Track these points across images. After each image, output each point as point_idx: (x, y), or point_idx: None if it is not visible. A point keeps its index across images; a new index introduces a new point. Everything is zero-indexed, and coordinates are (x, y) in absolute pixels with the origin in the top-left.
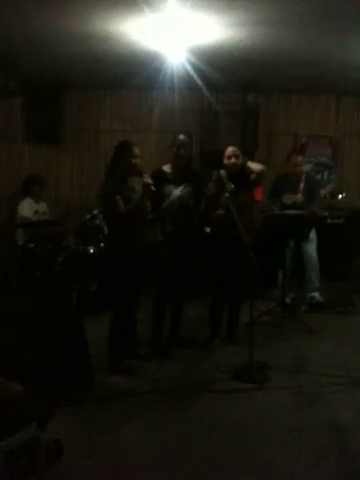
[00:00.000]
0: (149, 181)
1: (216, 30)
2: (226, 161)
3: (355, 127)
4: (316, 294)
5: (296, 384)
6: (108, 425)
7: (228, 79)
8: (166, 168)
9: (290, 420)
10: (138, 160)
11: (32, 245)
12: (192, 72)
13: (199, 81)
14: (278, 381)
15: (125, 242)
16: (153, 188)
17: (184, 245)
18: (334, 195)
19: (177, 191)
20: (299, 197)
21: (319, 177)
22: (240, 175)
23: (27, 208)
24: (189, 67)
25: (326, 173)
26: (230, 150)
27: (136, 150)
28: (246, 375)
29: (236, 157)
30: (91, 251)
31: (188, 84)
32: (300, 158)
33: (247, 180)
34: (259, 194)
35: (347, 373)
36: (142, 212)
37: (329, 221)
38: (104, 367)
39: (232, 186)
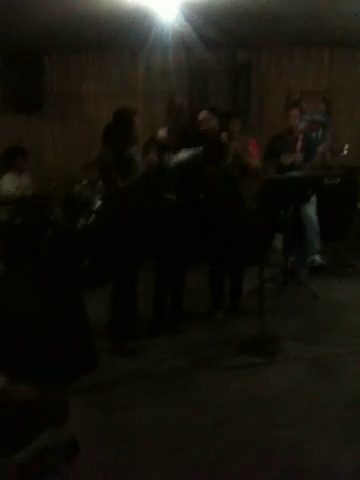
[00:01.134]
0: (154, 157)
1: None
2: (201, 127)
3: (349, 81)
4: (317, 257)
5: (311, 355)
6: (116, 410)
7: (219, 35)
8: (162, 132)
9: (312, 394)
10: (138, 130)
11: (18, 221)
12: (184, 28)
13: (191, 38)
14: (290, 353)
15: (124, 214)
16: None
17: (186, 213)
18: (336, 152)
19: (182, 154)
20: (297, 156)
21: (314, 135)
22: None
23: (9, 183)
24: (180, 23)
25: (321, 131)
26: (201, 115)
27: (137, 120)
28: (256, 348)
29: (208, 121)
30: (81, 224)
31: (177, 42)
32: (296, 110)
33: None
34: (257, 155)
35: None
36: (142, 184)
37: (326, 181)
38: (105, 347)
39: (236, 149)
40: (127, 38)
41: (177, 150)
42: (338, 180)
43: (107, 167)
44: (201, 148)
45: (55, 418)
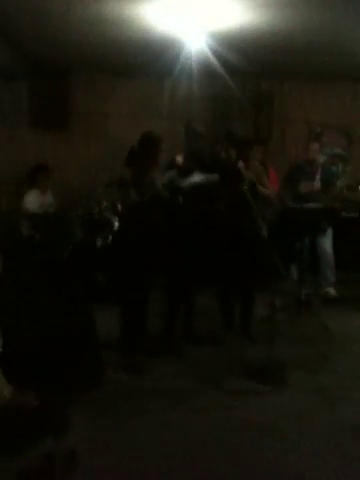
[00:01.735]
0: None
1: (237, 13)
2: (217, 156)
3: None
4: (331, 289)
5: (316, 385)
6: (119, 425)
7: (244, 65)
8: (179, 158)
9: (312, 423)
10: (164, 155)
11: (38, 238)
12: (209, 57)
13: (217, 67)
14: (296, 382)
15: (137, 232)
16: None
17: (199, 235)
18: (351, 188)
19: (196, 178)
20: (315, 186)
21: (334, 168)
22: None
23: (33, 200)
24: (207, 52)
25: (341, 165)
26: (217, 147)
27: (163, 145)
28: (263, 375)
29: (225, 151)
30: (98, 244)
31: (201, 70)
32: (316, 145)
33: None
34: (275, 184)
35: None
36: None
37: (344, 215)
38: (113, 361)
39: (251, 177)
40: (155, 64)
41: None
42: (356, 214)
43: (127, 187)
44: (216, 175)
45: (56, 428)
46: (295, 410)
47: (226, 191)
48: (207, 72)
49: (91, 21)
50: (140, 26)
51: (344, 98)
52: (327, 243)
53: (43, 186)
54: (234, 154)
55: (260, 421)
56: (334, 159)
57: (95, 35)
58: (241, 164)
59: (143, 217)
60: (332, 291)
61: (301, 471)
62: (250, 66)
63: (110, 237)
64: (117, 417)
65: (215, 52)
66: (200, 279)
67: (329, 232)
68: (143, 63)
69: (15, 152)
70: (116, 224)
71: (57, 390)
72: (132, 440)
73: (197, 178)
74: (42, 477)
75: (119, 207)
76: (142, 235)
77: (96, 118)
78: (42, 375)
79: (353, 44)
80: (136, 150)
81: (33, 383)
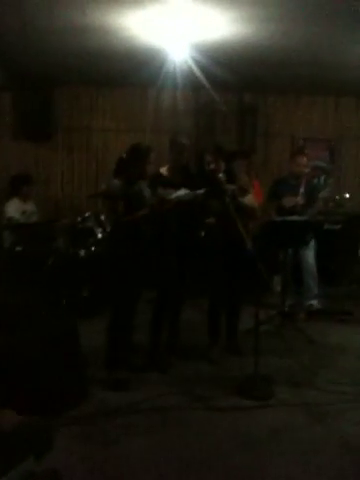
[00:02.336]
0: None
1: (221, 25)
2: (206, 167)
3: (354, 130)
4: (315, 302)
5: (302, 400)
6: (106, 444)
7: (227, 77)
8: (163, 171)
9: (300, 438)
10: (152, 166)
11: (19, 247)
12: (193, 69)
13: (200, 79)
14: (283, 397)
15: (125, 246)
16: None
17: (185, 249)
18: (328, 202)
19: (183, 192)
20: (299, 200)
21: (315, 181)
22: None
23: (14, 208)
24: (190, 64)
25: (323, 177)
26: (207, 157)
27: (152, 157)
28: (250, 390)
29: (215, 162)
30: (82, 254)
31: (185, 82)
32: (305, 159)
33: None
34: (259, 196)
35: (353, 388)
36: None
37: (326, 227)
38: (98, 378)
39: (233, 188)
40: (138, 76)
41: (178, 187)
42: (339, 226)
43: (115, 199)
44: (203, 191)
45: (38, 447)
46: (282, 425)
47: (215, 202)
48: (191, 84)
49: (74, 31)
50: (123, 36)
51: (327, 111)
52: (310, 255)
53: (25, 196)
54: (223, 166)
55: (251, 437)
56: (317, 172)
57: (78, 45)
58: (222, 176)
59: (131, 229)
60: (316, 303)
61: None
62: (233, 79)
63: (93, 248)
64: (104, 436)
65: (199, 64)
66: (188, 292)
67: (312, 245)
68: (126, 73)
69: None
70: (99, 235)
71: (39, 408)
72: (121, 460)
73: (182, 192)
74: None
75: (102, 217)
76: (129, 247)
77: (80, 130)
78: (22, 392)
79: (336, 58)
80: (124, 161)
81: (12, 401)
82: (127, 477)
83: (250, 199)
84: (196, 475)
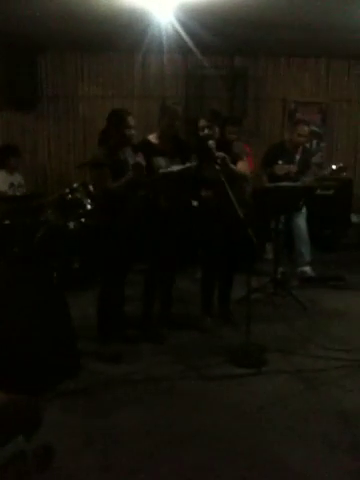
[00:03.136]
0: (141, 161)
1: None
2: (200, 133)
3: (345, 93)
4: (307, 268)
5: (295, 368)
6: (100, 417)
7: (216, 41)
8: (152, 138)
9: (294, 406)
10: (132, 131)
11: (7, 221)
12: (180, 32)
13: (187, 42)
14: (276, 364)
15: (114, 216)
16: (143, 164)
17: (177, 220)
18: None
19: (175, 166)
20: (292, 168)
21: (308, 145)
22: (222, 147)
23: (1, 181)
24: (177, 26)
25: (315, 141)
26: (201, 122)
27: (131, 120)
28: (243, 359)
29: (209, 128)
30: (71, 226)
31: (173, 46)
32: (307, 129)
33: (228, 152)
34: (250, 164)
35: (346, 354)
36: (132, 187)
37: (319, 192)
38: (90, 351)
39: (223, 155)
40: (123, 40)
41: (167, 155)
42: (331, 191)
43: (100, 167)
44: (194, 163)
45: (27, 426)
46: (274, 393)
47: (208, 169)
48: (178, 48)
49: None
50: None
51: (318, 75)
52: (302, 221)
53: (12, 167)
54: (218, 132)
55: (243, 406)
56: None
57: (60, 9)
58: (213, 143)
59: (116, 199)
60: (308, 270)
61: (287, 457)
62: (222, 42)
63: (83, 219)
64: (96, 408)
65: (185, 26)
66: (180, 262)
67: (304, 211)
68: (111, 38)
69: None
70: (89, 206)
71: (30, 383)
72: (113, 431)
73: (177, 168)
74: (15, 477)
75: (91, 188)
76: (116, 217)
77: (65, 98)
78: (12, 367)
79: (327, 19)
80: (105, 128)
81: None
82: (120, 449)
83: (242, 166)
84: (188, 446)
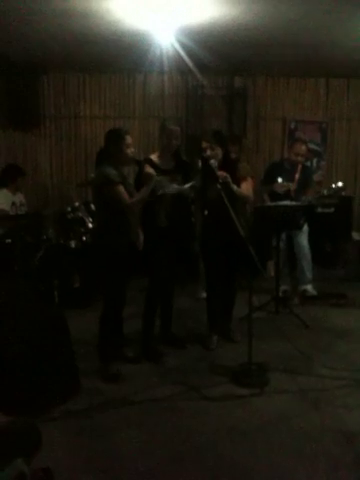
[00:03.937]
0: (152, 172)
1: (207, 7)
2: (203, 154)
3: (345, 111)
4: (309, 287)
5: (298, 387)
6: (100, 437)
7: (216, 61)
8: (154, 157)
9: (296, 426)
10: (132, 149)
11: (9, 240)
12: (180, 53)
13: (188, 62)
14: (278, 384)
15: (119, 235)
16: (154, 174)
17: (178, 239)
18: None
19: (174, 185)
20: (291, 186)
21: (308, 164)
22: (226, 167)
23: (3, 200)
24: (177, 48)
25: (315, 160)
26: (203, 144)
27: (129, 139)
28: (244, 378)
29: (211, 149)
30: (72, 245)
31: (174, 67)
32: (304, 147)
33: (233, 172)
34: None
35: (349, 373)
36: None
37: (319, 210)
38: (91, 371)
39: (225, 175)
40: (124, 61)
41: (168, 174)
42: (332, 209)
43: (115, 185)
44: (194, 183)
45: (27, 447)
46: (277, 413)
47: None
48: (178, 68)
49: (58, 16)
50: (108, 20)
51: (318, 93)
52: (304, 240)
53: (14, 187)
54: (221, 153)
55: (245, 425)
56: (309, 154)
57: (62, 30)
58: (214, 163)
59: (124, 218)
60: (310, 289)
61: (289, 476)
62: (222, 62)
63: (84, 238)
64: (97, 429)
65: (185, 47)
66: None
67: (306, 229)
68: (112, 59)
69: None
70: (90, 224)
71: (29, 404)
72: (114, 452)
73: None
74: None
75: (92, 207)
76: (119, 236)
77: (67, 118)
78: (12, 387)
79: (326, 39)
80: (103, 148)
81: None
82: (120, 469)
83: (245, 186)
84: (189, 466)
